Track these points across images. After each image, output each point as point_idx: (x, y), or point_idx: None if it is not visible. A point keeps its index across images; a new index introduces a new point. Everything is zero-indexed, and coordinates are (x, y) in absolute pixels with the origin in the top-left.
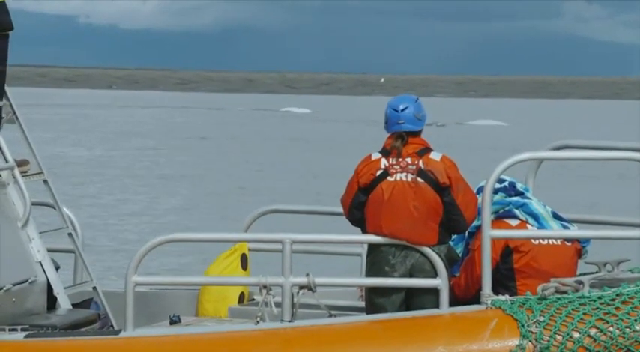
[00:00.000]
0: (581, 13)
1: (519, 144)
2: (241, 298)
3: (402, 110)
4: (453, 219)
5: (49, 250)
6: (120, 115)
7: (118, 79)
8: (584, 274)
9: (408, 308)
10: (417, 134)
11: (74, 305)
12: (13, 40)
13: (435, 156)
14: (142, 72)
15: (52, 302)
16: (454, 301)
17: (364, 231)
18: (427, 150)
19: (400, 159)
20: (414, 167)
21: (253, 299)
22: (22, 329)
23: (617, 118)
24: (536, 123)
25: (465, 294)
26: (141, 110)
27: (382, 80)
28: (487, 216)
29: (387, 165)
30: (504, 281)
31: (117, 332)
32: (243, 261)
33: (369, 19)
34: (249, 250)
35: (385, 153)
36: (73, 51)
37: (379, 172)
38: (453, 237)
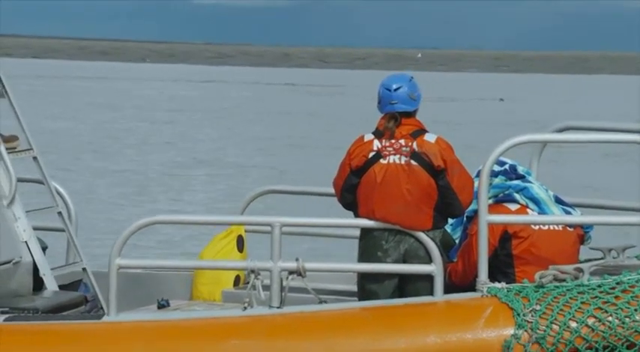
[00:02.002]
0: None
1: (519, 121)
2: (237, 281)
3: (395, 90)
4: (447, 202)
5: (42, 229)
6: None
7: (152, 52)
8: (587, 261)
9: (401, 295)
10: (411, 115)
11: (64, 287)
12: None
13: (430, 137)
14: (185, 46)
15: (39, 283)
16: (451, 287)
17: (356, 215)
18: (421, 131)
19: (393, 141)
20: (408, 149)
21: (248, 283)
22: (3, 312)
23: (629, 95)
24: (552, 99)
25: (463, 281)
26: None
27: (419, 55)
28: (484, 200)
29: (380, 146)
30: (503, 267)
31: (99, 317)
32: (240, 242)
33: None
34: (246, 232)
35: (378, 134)
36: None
37: (371, 154)
38: (452, 221)
